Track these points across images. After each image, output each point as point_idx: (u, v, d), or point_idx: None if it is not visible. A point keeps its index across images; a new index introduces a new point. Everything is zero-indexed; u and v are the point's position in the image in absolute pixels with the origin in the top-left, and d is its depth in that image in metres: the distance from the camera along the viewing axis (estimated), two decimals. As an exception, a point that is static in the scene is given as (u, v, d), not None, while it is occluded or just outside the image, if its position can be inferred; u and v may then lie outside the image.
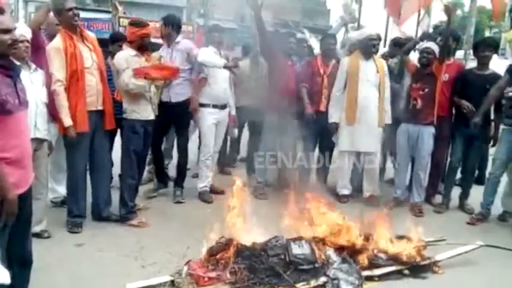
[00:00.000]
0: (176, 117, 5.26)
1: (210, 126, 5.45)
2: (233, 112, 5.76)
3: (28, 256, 2.88)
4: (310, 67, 5.77)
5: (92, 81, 4.23)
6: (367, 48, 5.48)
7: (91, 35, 4.46)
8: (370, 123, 5.47)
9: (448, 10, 5.44)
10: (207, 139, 5.48)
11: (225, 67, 5.20)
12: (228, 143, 6.88)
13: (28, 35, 3.92)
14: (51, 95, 4.06)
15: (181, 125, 5.42)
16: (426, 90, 5.29)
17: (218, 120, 5.52)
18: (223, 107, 5.53)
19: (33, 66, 3.92)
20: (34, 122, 3.82)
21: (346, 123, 5.51)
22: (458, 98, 5.35)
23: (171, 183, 5.67)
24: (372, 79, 5.45)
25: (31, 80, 3.83)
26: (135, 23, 4.64)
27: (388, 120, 5.58)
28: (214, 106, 5.45)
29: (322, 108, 5.67)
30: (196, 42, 6.62)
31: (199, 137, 5.94)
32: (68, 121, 4.07)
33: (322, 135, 5.79)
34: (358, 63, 5.46)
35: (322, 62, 5.75)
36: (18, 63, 3.69)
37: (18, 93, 2.51)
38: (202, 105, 5.45)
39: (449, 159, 5.70)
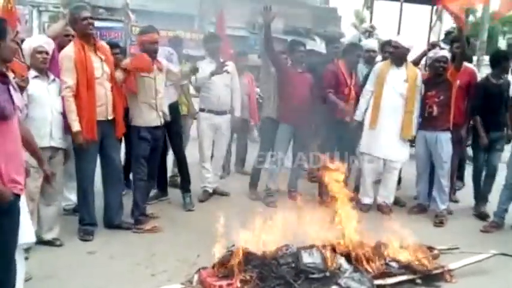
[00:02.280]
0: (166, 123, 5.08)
1: (204, 130, 5.64)
2: (237, 114, 5.84)
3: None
4: (334, 75, 5.61)
5: (102, 91, 4.26)
6: (392, 55, 5.46)
7: (104, 45, 4.51)
8: (391, 131, 5.39)
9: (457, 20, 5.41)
10: (202, 142, 5.67)
11: (213, 74, 5.30)
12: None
13: (48, 46, 3.99)
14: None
15: (172, 129, 5.35)
16: (441, 97, 5.28)
17: (215, 125, 5.66)
18: (220, 112, 5.65)
19: (52, 76, 4.03)
20: (49, 130, 3.92)
21: (368, 127, 5.47)
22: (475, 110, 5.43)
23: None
24: (397, 87, 5.36)
25: (48, 90, 3.95)
26: (141, 31, 4.80)
27: (415, 131, 5.49)
28: (210, 111, 5.61)
29: (349, 119, 5.58)
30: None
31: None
32: (76, 126, 4.08)
33: (344, 144, 5.61)
34: (387, 70, 5.41)
35: (346, 71, 5.64)
36: (36, 73, 3.80)
37: (13, 98, 2.56)
38: (200, 110, 5.72)
39: (472, 164, 5.80)
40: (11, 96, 2.54)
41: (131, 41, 13.64)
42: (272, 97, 5.94)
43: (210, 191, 5.78)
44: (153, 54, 4.67)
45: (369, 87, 5.53)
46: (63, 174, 4.78)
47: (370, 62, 6.03)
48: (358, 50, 5.86)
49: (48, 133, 3.89)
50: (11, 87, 2.58)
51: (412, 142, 5.60)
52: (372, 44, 6.07)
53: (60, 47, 4.40)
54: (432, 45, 6.03)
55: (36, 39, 4.03)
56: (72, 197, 4.90)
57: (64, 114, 4.08)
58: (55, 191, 4.10)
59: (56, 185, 4.07)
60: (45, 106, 3.89)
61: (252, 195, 5.93)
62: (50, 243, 4.08)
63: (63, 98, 4.08)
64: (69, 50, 4.16)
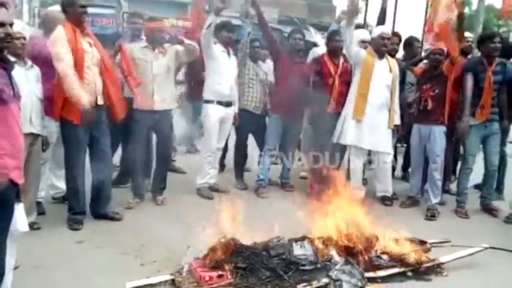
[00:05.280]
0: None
1: (213, 123, 5.41)
2: (236, 110, 5.67)
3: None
4: (318, 67, 5.56)
5: (90, 76, 4.20)
6: (378, 47, 5.36)
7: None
8: (379, 122, 5.37)
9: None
10: (210, 136, 5.45)
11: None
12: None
13: (25, 31, 3.93)
14: (48, 91, 4.11)
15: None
16: (437, 90, 5.26)
17: (223, 118, 5.47)
18: (228, 104, 5.48)
19: (29, 62, 3.98)
20: (29, 117, 3.88)
21: (353, 117, 5.36)
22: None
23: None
24: (384, 79, 5.34)
25: (26, 75, 3.88)
26: (149, 18, 4.94)
27: (397, 121, 5.50)
28: (219, 103, 5.40)
29: (330, 109, 5.52)
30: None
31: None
32: (84, 99, 4.04)
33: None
34: (373, 62, 5.33)
35: (330, 61, 5.55)
36: (13, 59, 3.71)
37: (13, 85, 2.55)
38: (207, 101, 5.44)
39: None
40: (11, 82, 2.54)
41: (123, 28, 13.52)
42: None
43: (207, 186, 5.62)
44: (160, 41, 4.80)
45: (357, 79, 5.41)
46: (52, 162, 4.74)
47: None
48: (338, 36, 5.68)
49: (28, 119, 3.83)
50: (12, 76, 2.57)
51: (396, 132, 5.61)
52: (365, 34, 5.97)
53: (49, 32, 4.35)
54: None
55: (19, 25, 3.98)
56: (61, 185, 4.84)
57: (44, 100, 4.07)
58: (33, 179, 4.05)
59: (33, 173, 4.05)
60: (24, 92, 3.82)
61: (239, 185, 5.92)
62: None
63: (61, 73, 4.01)
64: (60, 32, 4.09)
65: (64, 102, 4.14)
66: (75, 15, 4.17)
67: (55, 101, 4.19)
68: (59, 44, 4.04)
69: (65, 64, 4.01)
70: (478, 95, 5.12)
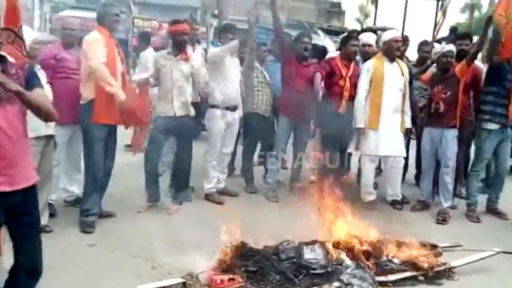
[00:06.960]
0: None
1: (219, 127, 5.42)
2: (240, 114, 5.68)
3: (38, 267, 2.76)
4: (329, 69, 5.51)
5: (118, 80, 4.33)
6: (391, 50, 5.35)
7: None
8: (393, 127, 5.34)
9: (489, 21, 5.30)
10: (214, 140, 5.44)
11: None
12: None
13: (42, 38, 4.11)
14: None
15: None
16: (449, 93, 5.20)
17: (229, 122, 5.48)
18: (234, 108, 5.50)
19: (38, 66, 4.03)
20: None
21: (369, 128, 5.34)
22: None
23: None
24: (397, 83, 5.32)
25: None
26: (172, 21, 5.01)
27: (409, 124, 5.48)
28: (226, 108, 5.42)
29: (341, 110, 5.48)
30: None
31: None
32: (120, 91, 4.22)
33: (341, 138, 5.55)
34: (383, 67, 5.31)
35: (342, 63, 5.54)
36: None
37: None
38: (213, 106, 5.43)
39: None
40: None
41: (133, 33, 13.62)
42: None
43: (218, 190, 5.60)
44: (181, 45, 4.85)
45: (364, 85, 5.38)
46: (68, 166, 4.78)
47: (367, 57, 5.70)
48: (354, 41, 5.68)
49: (43, 122, 3.86)
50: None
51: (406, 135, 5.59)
52: (368, 37, 5.94)
53: (67, 42, 4.59)
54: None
55: (35, 33, 4.12)
56: (74, 189, 4.89)
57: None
58: (47, 180, 4.09)
59: (44, 174, 4.05)
60: None
61: (249, 189, 5.94)
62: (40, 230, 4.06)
63: (94, 69, 4.13)
64: (96, 35, 4.25)
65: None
66: (110, 24, 4.35)
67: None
68: (95, 45, 4.17)
69: (97, 60, 4.13)
70: (507, 95, 5.10)
